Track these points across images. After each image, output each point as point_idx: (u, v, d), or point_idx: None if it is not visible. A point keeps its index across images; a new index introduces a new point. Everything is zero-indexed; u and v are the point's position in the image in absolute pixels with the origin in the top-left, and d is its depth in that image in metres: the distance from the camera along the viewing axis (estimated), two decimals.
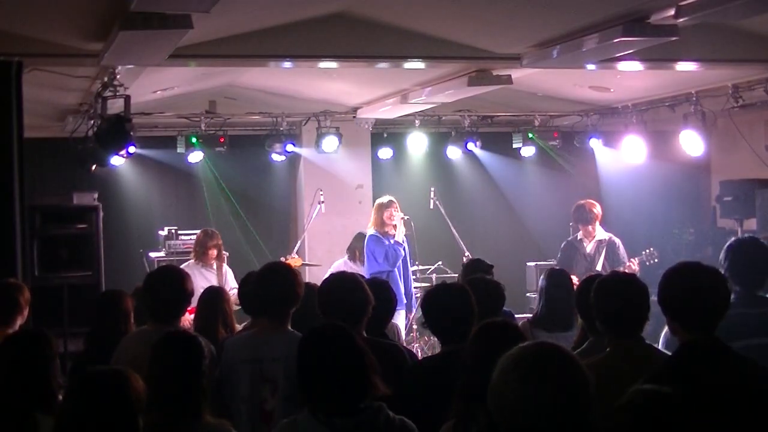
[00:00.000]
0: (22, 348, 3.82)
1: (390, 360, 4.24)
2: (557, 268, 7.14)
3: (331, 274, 4.94)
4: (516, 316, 6.92)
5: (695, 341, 3.27)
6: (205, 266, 8.77)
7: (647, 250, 9.26)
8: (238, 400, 4.30)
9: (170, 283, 4.64)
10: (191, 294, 4.77)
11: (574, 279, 6.16)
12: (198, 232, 9.18)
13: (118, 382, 2.86)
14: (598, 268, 8.82)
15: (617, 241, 9.08)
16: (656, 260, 9.34)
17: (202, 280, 8.44)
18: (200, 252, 8.81)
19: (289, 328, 4.42)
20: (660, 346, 4.43)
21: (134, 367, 3.15)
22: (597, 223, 9.07)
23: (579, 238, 9.12)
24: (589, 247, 9.00)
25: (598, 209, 9.09)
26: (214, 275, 8.72)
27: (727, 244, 4.69)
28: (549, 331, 5.37)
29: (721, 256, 4.60)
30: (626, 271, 8.52)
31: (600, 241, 9.02)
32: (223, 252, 8.98)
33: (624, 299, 3.68)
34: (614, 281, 3.87)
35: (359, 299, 4.43)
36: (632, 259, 8.93)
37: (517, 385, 2.26)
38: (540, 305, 5.65)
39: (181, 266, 8.33)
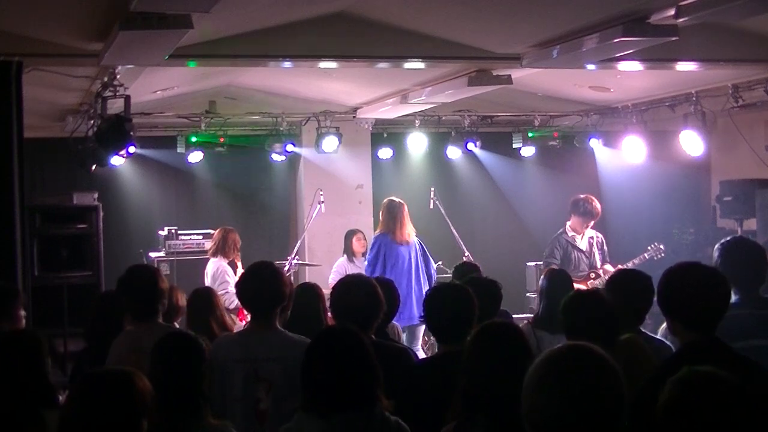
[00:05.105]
0: (7, 349, 3.76)
1: (397, 363, 4.25)
2: (557, 268, 7.12)
3: (345, 276, 4.86)
4: (515, 316, 6.92)
5: (697, 341, 3.26)
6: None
7: (653, 245, 9.22)
8: (231, 399, 4.27)
9: (143, 281, 4.67)
10: (166, 291, 4.77)
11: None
12: (213, 231, 9.26)
13: (122, 383, 2.83)
14: (597, 264, 8.83)
15: (601, 237, 9.06)
16: (663, 255, 9.29)
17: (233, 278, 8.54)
18: (230, 249, 8.84)
19: (278, 326, 4.42)
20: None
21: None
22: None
23: (570, 234, 8.89)
24: (583, 244, 8.88)
25: (599, 206, 9.02)
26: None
27: (719, 243, 4.65)
28: (551, 332, 5.36)
29: (715, 255, 4.57)
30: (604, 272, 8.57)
31: (591, 238, 8.94)
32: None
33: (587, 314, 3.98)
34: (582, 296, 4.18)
35: (372, 303, 4.41)
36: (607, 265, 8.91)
37: (556, 391, 2.20)
38: (541, 306, 5.63)
39: (218, 267, 8.46)
